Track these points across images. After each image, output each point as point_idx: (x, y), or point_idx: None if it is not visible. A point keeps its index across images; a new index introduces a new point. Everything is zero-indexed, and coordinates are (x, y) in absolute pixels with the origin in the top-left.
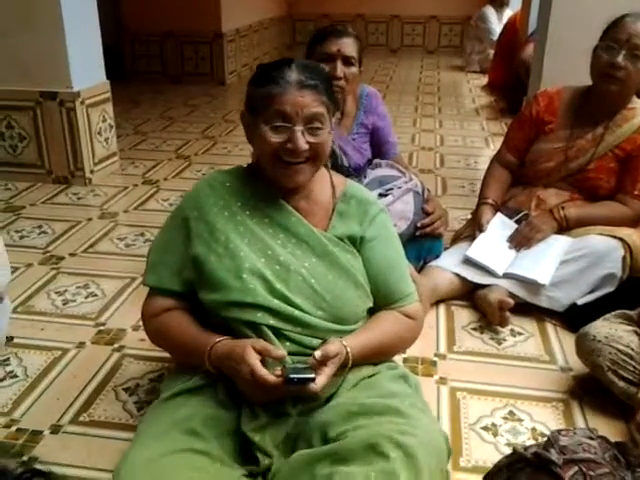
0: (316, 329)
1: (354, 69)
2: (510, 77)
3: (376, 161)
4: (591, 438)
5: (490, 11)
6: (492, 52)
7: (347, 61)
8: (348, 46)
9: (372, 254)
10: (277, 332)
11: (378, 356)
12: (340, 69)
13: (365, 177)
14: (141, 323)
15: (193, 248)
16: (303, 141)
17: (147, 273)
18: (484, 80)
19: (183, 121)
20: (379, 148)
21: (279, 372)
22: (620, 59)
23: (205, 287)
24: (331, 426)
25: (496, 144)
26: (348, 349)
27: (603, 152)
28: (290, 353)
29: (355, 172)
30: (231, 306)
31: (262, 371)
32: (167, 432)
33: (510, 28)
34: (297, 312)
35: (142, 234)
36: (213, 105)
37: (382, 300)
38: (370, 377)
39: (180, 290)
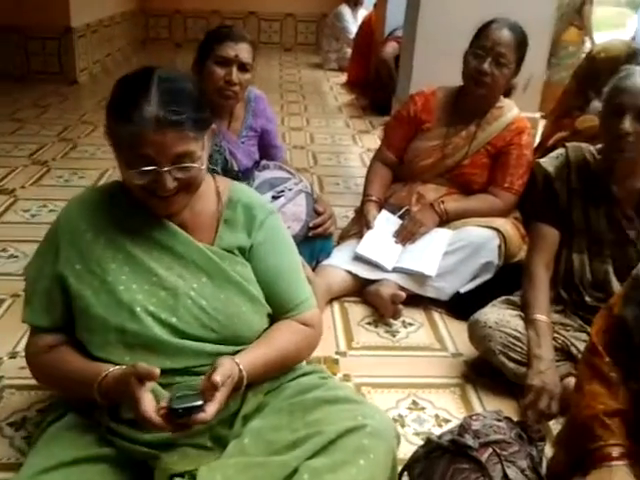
0: (210, 355)
1: (248, 75)
2: (369, 75)
3: (264, 163)
4: (499, 420)
5: (345, 10)
6: (349, 50)
7: (243, 67)
8: (245, 52)
9: (262, 261)
10: (166, 371)
11: (275, 370)
12: (236, 75)
13: (254, 180)
14: (19, 349)
15: (64, 278)
16: (171, 181)
17: (24, 307)
18: (343, 78)
19: (35, 123)
20: (266, 151)
21: (164, 404)
22: (486, 66)
23: (82, 326)
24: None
25: (364, 141)
26: (241, 366)
27: (476, 149)
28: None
29: (244, 175)
30: (111, 347)
31: (146, 411)
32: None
33: (366, 27)
34: (187, 342)
35: (4, 250)
36: (66, 105)
37: (277, 309)
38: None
39: (57, 325)
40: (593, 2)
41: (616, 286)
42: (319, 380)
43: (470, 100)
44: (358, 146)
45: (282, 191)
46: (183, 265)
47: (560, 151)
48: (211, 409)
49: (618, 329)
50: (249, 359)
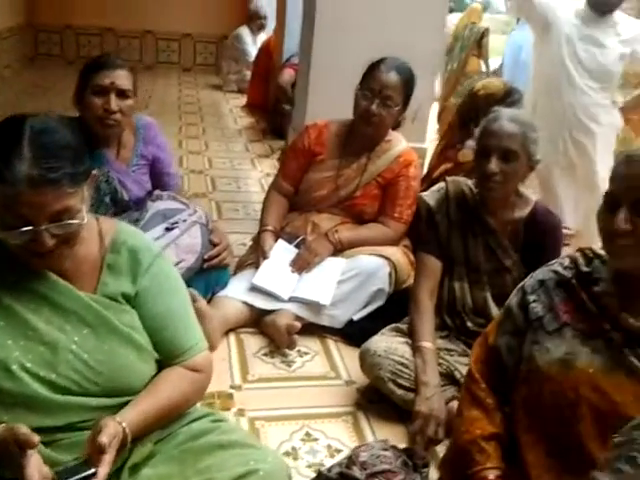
0: (95, 410)
1: (129, 101)
2: (268, 99)
3: (157, 193)
4: (385, 449)
5: (245, 32)
6: (249, 73)
7: (122, 94)
8: (122, 78)
9: (149, 308)
10: (47, 429)
11: (163, 422)
12: (114, 103)
13: (147, 211)
14: None
15: None
16: (49, 238)
17: None
18: (243, 100)
19: None
20: (159, 179)
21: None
22: (374, 107)
23: None
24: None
25: (262, 166)
26: (124, 424)
27: (367, 181)
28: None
29: (135, 205)
30: None
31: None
32: None
33: (265, 51)
34: (70, 398)
35: None
36: None
37: (165, 355)
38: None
39: None
40: (489, 33)
41: (495, 312)
42: (211, 424)
43: (360, 135)
44: (257, 170)
45: (176, 222)
46: (64, 317)
47: (441, 185)
48: (102, 473)
49: (493, 358)
50: (133, 416)
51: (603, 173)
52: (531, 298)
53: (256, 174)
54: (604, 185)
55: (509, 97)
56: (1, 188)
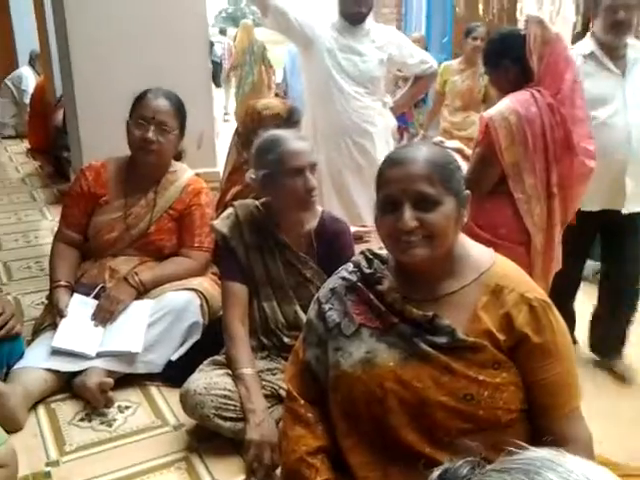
0: None
1: None
2: (50, 141)
3: None
4: None
5: (28, 73)
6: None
7: None
8: None
9: None
10: None
11: None
12: None
13: None
14: None
15: None
16: None
17: None
18: (24, 145)
19: None
20: None
21: None
22: (151, 135)
23: None
24: None
25: (53, 214)
26: None
27: (159, 215)
28: None
29: None
30: None
31: None
32: None
33: (41, 91)
34: None
35: None
36: None
37: None
38: None
39: None
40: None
41: None
42: None
43: (142, 168)
44: (48, 220)
45: None
46: None
47: (230, 211)
48: None
49: (306, 372)
50: None
51: None
52: (326, 307)
53: (47, 223)
54: None
55: (294, 117)
56: None
